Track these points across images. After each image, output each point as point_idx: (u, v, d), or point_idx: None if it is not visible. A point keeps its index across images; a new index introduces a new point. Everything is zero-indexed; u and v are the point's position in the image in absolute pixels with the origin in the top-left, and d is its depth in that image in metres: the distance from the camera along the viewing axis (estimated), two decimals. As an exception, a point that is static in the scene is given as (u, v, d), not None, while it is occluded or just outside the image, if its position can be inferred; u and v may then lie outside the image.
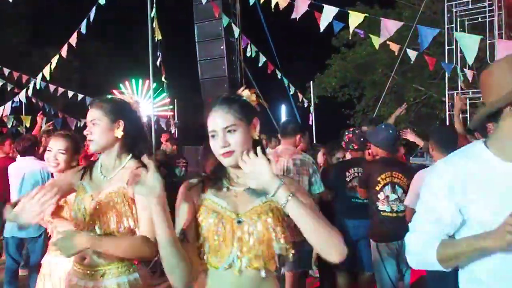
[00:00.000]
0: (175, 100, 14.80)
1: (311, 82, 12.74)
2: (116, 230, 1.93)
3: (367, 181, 3.73)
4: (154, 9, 8.24)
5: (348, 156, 4.29)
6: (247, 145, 1.54)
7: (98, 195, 1.97)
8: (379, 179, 3.64)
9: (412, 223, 1.55)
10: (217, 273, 1.51)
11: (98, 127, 2.00)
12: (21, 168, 4.44)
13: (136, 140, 2.08)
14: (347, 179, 4.01)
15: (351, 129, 4.23)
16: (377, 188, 3.63)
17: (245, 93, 1.62)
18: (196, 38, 10.18)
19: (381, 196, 3.62)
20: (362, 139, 4.07)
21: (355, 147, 4.09)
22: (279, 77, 10.56)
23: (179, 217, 1.54)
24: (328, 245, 1.46)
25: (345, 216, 3.97)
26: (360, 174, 3.97)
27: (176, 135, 12.45)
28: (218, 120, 1.53)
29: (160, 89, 15.20)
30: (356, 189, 3.95)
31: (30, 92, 10.82)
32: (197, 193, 1.59)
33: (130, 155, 2.06)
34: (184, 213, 1.54)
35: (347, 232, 3.88)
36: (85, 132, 2.03)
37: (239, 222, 1.51)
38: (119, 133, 2.02)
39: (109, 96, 2.15)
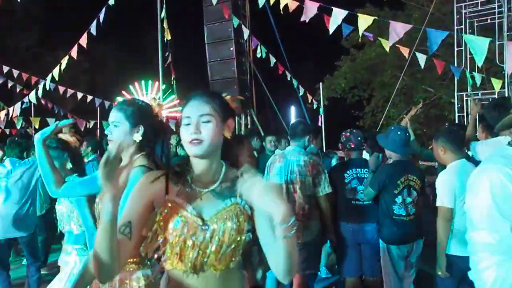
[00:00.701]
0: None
1: (321, 83, 12.75)
2: None
3: (384, 184, 3.65)
4: (164, 10, 8.33)
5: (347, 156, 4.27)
6: (218, 141, 1.54)
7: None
8: (398, 182, 3.61)
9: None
10: (181, 274, 1.51)
11: (118, 129, 2.06)
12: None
13: (152, 144, 2.12)
14: (346, 180, 3.98)
15: (349, 129, 4.19)
16: (396, 191, 3.59)
17: (227, 96, 1.65)
18: (205, 40, 10.24)
19: (399, 199, 3.60)
20: (359, 138, 4.06)
21: (352, 146, 4.04)
22: (289, 79, 10.59)
23: (129, 208, 1.49)
24: (290, 272, 1.41)
25: (345, 219, 3.94)
26: (358, 175, 3.95)
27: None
28: (195, 108, 1.53)
29: (170, 90, 15.30)
30: (356, 191, 3.94)
31: (40, 92, 10.94)
32: (159, 190, 1.53)
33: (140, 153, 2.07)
34: (137, 206, 1.49)
35: (348, 236, 3.88)
36: (106, 132, 2.10)
37: (204, 227, 1.48)
38: (138, 137, 2.08)
39: (133, 99, 2.20)
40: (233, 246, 1.48)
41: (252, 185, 1.34)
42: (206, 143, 1.50)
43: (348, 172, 3.97)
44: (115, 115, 2.08)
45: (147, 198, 1.50)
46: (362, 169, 3.95)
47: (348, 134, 4.06)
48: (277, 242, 1.32)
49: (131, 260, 1.99)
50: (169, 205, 1.50)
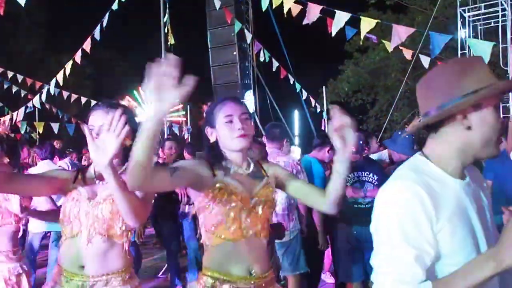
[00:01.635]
0: (188, 106, 14.92)
1: (324, 87, 12.74)
2: (119, 232, 1.92)
3: None
4: (167, 15, 8.35)
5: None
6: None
7: (95, 198, 1.93)
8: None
9: (380, 262, 1.20)
10: (230, 245, 1.78)
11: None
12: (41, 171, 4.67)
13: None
14: (348, 183, 3.96)
15: None
16: None
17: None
18: (209, 44, 10.28)
19: None
20: (361, 142, 4.04)
21: (354, 150, 4.05)
22: (292, 83, 10.60)
23: (182, 165, 1.75)
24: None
25: (347, 222, 3.93)
26: (360, 178, 3.95)
27: (189, 141, 12.54)
28: (235, 107, 1.81)
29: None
30: (358, 193, 3.94)
31: (44, 97, 10.98)
32: (207, 174, 1.79)
33: (126, 163, 1.95)
34: (190, 169, 1.75)
35: (351, 239, 3.87)
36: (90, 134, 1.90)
37: (252, 200, 1.81)
38: (128, 142, 1.95)
39: (117, 102, 2.15)
40: (270, 211, 1.86)
41: (275, 166, 2.00)
42: (250, 137, 1.82)
43: (349, 175, 3.94)
44: (106, 119, 1.90)
45: (198, 172, 1.76)
46: (363, 172, 3.95)
47: None
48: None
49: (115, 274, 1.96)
50: (218, 185, 1.77)
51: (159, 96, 1.38)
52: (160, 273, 5.76)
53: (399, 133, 3.92)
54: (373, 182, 3.87)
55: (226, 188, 1.78)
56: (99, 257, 1.90)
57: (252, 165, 1.90)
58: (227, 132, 1.80)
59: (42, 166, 5.01)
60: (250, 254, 1.81)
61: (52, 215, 2.46)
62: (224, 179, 1.80)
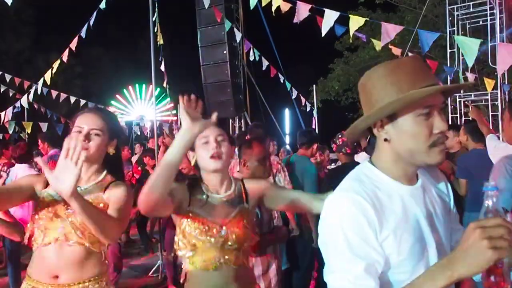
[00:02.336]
0: (178, 105, 14.86)
1: (314, 86, 12.76)
2: (96, 240, 1.86)
3: None
4: (156, 14, 8.30)
5: (339, 160, 4.33)
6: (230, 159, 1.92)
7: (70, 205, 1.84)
8: None
9: (333, 278, 1.15)
10: (203, 273, 1.81)
11: (98, 139, 1.91)
12: (15, 175, 4.61)
13: (116, 157, 2.04)
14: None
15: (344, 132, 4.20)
16: None
17: None
18: (199, 43, 10.22)
19: None
20: (355, 144, 4.10)
21: (348, 151, 4.05)
22: (282, 81, 10.59)
23: (172, 189, 1.75)
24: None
25: None
26: None
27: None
28: (212, 129, 1.85)
29: (164, 94, 15.27)
30: None
31: (31, 97, 10.87)
32: (185, 199, 1.84)
33: (106, 171, 1.99)
34: (176, 193, 1.77)
35: None
36: (80, 137, 1.87)
37: (221, 232, 1.80)
38: (111, 150, 1.99)
39: (109, 110, 2.19)
40: (246, 242, 1.84)
41: (260, 183, 1.99)
42: (223, 159, 1.86)
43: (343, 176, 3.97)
44: (97, 123, 1.93)
45: (180, 197, 1.80)
46: None
47: (345, 138, 4.06)
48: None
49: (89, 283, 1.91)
50: (191, 215, 1.81)
51: (190, 119, 1.54)
52: (150, 272, 5.73)
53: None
54: None
55: (195, 217, 1.81)
56: (75, 265, 1.84)
57: (233, 187, 1.92)
58: (203, 153, 1.86)
59: (17, 171, 4.71)
60: (223, 283, 1.81)
61: (11, 227, 2.26)
62: (195, 209, 1.83)
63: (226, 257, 1.80)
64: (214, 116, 1.59)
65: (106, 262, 1.95)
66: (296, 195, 1.94)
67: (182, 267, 1.91)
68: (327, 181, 4.06)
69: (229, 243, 1.80)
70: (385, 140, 1.20)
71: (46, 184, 1.89)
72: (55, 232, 1.83)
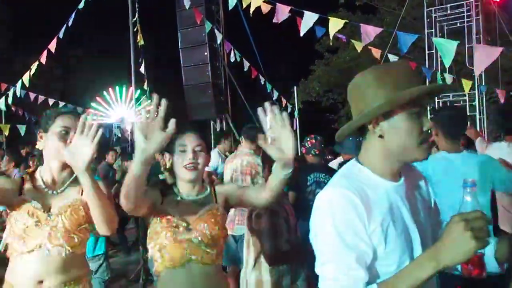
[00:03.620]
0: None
1: (295, 87, 12.81)
2: (79, 242, 1.90)
3: None
4: (136, 14, 8.22)
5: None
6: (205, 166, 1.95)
7: (51, 210, 1.87)
8: None
9: (325, 270, 1.20)
10: (171, 272, 1.85)
11: None
12: None
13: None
14: (308, 183, 4.16)
15: (313, 135, 4.37)
16: None
17: None
18: (179, 45, 10.16)
19: None
20: (323, 145, 4.28)
21: (317, 153, 4.23)
22: (263, 83, 10.60)
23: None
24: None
25: (305, 219, 4.01)
26: (319, 179, 4.13)
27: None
28: (191, 139, 1.92)
29: (144, 96, 15.13)
30: (314, 194, 4.06)
31: (10, 99, 10.66)
32: (159, 196, 1.91)
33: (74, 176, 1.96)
34: (149, 194, 1.81)
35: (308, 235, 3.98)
36: (65, 140, 1.88)
37: (189, 229, 1.86)
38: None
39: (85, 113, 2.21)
40: (214, 241, 1.88)
41: (227, 186, 2.09)
42: (200, 169, 1.93)
43: (310, 175, 4.16)
44: (74, 122, 1.93)
45: (152, 197, 1.86)
46: (321, 174, 4.17)
47: (313, 141, 4.26)
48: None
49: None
50: (161, 214, 1.87)
51: (145, 137, 1.47)
52: (132, 276, 5.67)
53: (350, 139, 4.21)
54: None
55: (165, 216, 1.86)
56: (60, 269, 1.85)
57: (206, 191, 1.99)
58: (179, 160, 1.92)
59: None
60: (191, 282, 1.84)
61: None
62: (167, 208, 1.88)
63: (194, 256, 1.84)
64: (171, 125, 1.51)
65: (87, 264, 2.02)
66: (247, 191, 2.02)
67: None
68: (299, 176, 4.20)
69: (196, 240, 1.84)
70: (380, 136, 1.26)
71: (20, 190, 1.87)
72: (37, 238, 1.82)
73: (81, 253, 1.94)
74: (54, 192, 1.91)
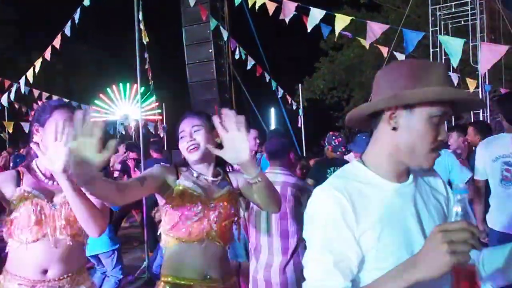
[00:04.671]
0: (163, 104, 14.76)
1: (300, 84, 12.81)
2: (80, 231, 1.93)
3: None
4: (140, 12, 8.22)
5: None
6: (211, 143, 1.87)
7: (55, 200, 1.91)
8: None
9: (306, 270, 1.18)
10: (186, 247, 1.87)
11: None
12: None
13: None
14: (327, 175, 4.31)
15: (337, 133, 4.61)
16: None
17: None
18: (184, 42, 10.18)
19: None
20: (346, 145, 4.56)
21: (343, 150, 4.49)
22: (268, 80, 10.61)
23: (152, 173, 1.88)
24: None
25: None
26: None
27: (165, 139, 12.42)
28: (188, 122, 1.94)
29: (148, 93, 15.15)
30: None
31: (12, 96, 10.69)
32: (173, 174, 1.93)
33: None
34: (157, 176, 1.87)
35: None
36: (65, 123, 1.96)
37: (211, 206, 1.88)
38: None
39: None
40: (230, 219, 1.91)
41: (239, 175, 1.98)
42: (202, 147, 1.90)
43: (330, 168, 4.26)
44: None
45: (164, 177, 1.89)
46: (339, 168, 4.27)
47: (340, 139, 4.50)
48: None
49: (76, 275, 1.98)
50: (179, 187, 1.88)
51: (79, 158, 1.34)
52: (137, 273, 5.70)
53: (358, 135, 4.34)
54: None
55: (185, 190, 1.87)
56: (63, 258, 1.90)
57: (220, 176, 2.01)
58: (182, 145, 1.93)
59: None
60: (204, 258, 1.87)
61: None
62: (185, 182, 1.90)
63: (211, 232, 1.86)
64: (110, 147, 1.38)
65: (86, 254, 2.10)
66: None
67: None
68: (319, 167, 4.39)
69: (214, 217, 1.87)
70: (393, 129, 1.18)
71: (18, 182, 1.89)
72: (43, 228, 1.85)
73: (82, 243, 1.98)
74: (54, 183, 1.91)
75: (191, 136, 1.91)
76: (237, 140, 1.53)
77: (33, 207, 1.84)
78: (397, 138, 1.18)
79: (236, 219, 1.97)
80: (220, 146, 1.74)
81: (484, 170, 3.39)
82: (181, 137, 1.94)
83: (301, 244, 2.85)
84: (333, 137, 4.48)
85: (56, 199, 1.90)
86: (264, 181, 1.71)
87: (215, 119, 1.54)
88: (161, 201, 1.95)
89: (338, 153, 4.45)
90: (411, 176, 1.25)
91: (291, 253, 2.86)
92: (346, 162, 4.54)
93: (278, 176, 2.97)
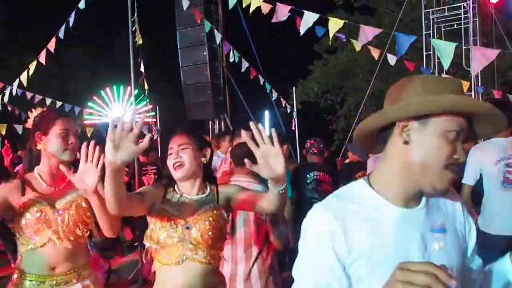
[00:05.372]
0: (157, 106, 14.73)
1: (294, 87, 12.84)
2: (82, 234, 2.13)
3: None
4: (135, 14, 8.22)
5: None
6: (197, 164, 1.99)
7: (57, 206, 2.09)
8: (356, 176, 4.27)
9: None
10: (169, 269, 1.90)
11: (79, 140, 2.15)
12: None
13: None
14: (308, 181, 4.37)
15: (312, 138, 4.80)
16: None
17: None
18: (178, 44, 10.17)
19: None
20: (321, 146, 4.64)
21: (315, 151, 4.60)
22: (262, 83, 10.62)
23: (148, 190, 1.99)
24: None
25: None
26: (318, 177, 4.40)
27: (159, 141, 12.37)
28: (176, 140, 2.01)
29: (142, 95, 15.10)
30: (315, 191, 4.34)
31: (6, 99, 10.63)
32: (159, 196, 2.00)
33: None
34: (151, 194, 1.95)
35: None
36: (66, 141, 2.12)
37: (187, 228, 1.91)
38: None
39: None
40: (212, 240, 1.92)
41: (232, 187, 2.08)
42: (186, 166, 1.97)
43: (310, 173, 4.40)
44: (73, 125, 2.20)
45: (155, 197, 1.96)
46: (320, 173, 4.42)
47: (312, 141, 4.64)
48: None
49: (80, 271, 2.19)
50: (160, 212, 1.93)
51: (115, 148, 1.50)
52: (131, 275, 5.68)
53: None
54: (328, 181, 4.42)
55: (164, 214, 1.93)
56: (68, 258, 2.10)
57: (207, 190, 2.05)
58: (169, 162, 2.00)
59: None
60: (185, 280, 1.90)
61: None
62: (166, 206, 1.96)
63: (190, 255, 1.89)
64: (146, 140, 1.53)
65: (90, 251, 2.32)
66: (250, 194, 2.04)
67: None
68: (299, 174, 4.49)
69: (193, 238, 1.90)
70: (405, 142, 1.10)
71: (23, 191, 2.06)
72: (48, 233, 2.03)
73: (85, 242, 2.19)
74: (56, 188, 2.11)
75: (177, 154, 1.97)
76: (271, 154, 1.51)
77: (38, 213, 2.02)
78: (409, 153, 1.09)
79: (220, 236, 1.99)
80: (205, 165, 2.04)
81: (475, 175, 3.42)
82: (169, 154, 2.00)
83: (263, 250, 2.87)
84: (307, 141, 4.71)
85: (58, 204, 2.08)
86: (285, 192, 1.76)
87: (244, 134, 1.50)
88: (149, 220, 2.01)
89: (311, 155, 4.57)
90: (423, 200, 1.15)
91: (253, 261, 2.84)
92: (326, 166, 4.69)
93: (241, 184, 2.96)
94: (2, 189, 2.09)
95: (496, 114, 1.09)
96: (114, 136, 1.49)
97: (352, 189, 1.18)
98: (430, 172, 1.07)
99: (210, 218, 1.94)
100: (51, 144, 2.06)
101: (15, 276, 2.10)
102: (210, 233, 1.91)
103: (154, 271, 2.00)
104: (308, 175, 4.37)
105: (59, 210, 2.07)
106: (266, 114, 16.04)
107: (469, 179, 3.45)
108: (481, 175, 3.41)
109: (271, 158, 1.51)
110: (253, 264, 2.84)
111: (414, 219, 1.11)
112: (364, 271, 1.06)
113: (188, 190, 2.03)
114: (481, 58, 5.28)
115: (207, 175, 2.11)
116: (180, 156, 1.97)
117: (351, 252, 1.06)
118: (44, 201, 2.05)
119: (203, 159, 2.04)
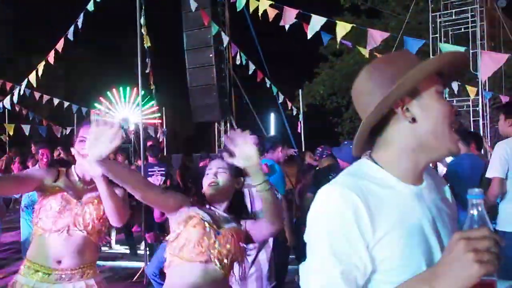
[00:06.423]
0: (163, 108, 14.80)
1: (300, 90, 12.84)
2: (96, 232, 2.25)
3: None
4: (143, 16, 8.25)
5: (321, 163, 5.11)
6: (228, 186, 2.17)
7: (82, 199, 2.23)
8: None
9: (307, 275, 1.05)
10: (189, 266, 1.97)
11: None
12: None
13: None
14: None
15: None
16: None
17: None
18: (185, 46, 10.21)
19: None
20: (320, 149, 5.04)
21: (329, 153, 4.90)
22: (268, 85, 10.63)
23: (176, 195, 2.14)
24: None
25: None
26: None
27: (164, 143, 12.42)
28: (215, 163, 2.20)
29: (148, 96, 15.17)
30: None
31: (15, 99, 10.71)
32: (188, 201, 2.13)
33: None
34: (179, 199, 2.10)
35: None
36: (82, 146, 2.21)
37: (218, 234, 2.01)
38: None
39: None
40: (234, 253, 2.02)
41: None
42: (219, 186, 2.14)
43: (332, 174, 4.38)
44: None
45: (182, 202, 2.11)
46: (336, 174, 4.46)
47: (322, 146, 5.02)
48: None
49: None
50: (191, 213, 2.04)
51: (95, 143, 1.67)
52: (135, 278, 5.69)
53: (345, 143, 4.41)
54: None
55: (196, 216, 2.03)
56: (76, 252, 2.18)
57: (231, 216, 2.16)
58: (205, 181, 2.17)
59: None
60: (204, 279, 1.97)
61: None
62: (197, 210, 2.07)
63: (214, 257, 1.97)
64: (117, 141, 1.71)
65: (99, 251, 2.36)
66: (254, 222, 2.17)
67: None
68: (321, 176, 4.56)
69: (221, 246, 1.98)
70: (413, 120, 1.08)
71: (56, 179, 2.25)
72: (64, 221, 2.14)
73: (96, 243, 2.27)
74: (86, 187, 2.27)
75: (215, 175, 2.14)
76: (245, 149, 1.87)
77: (61, 200, 2.17)
78: (418, 129, 1.08)
79: (239, 256, 2.08)
80: (237, 191, 2.23)
81: (506, 166, 3.43)
82: (207, 174, 2.17)
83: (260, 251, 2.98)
84: (317, 148, 5.00)
85: (83, 198, 2.22)
86: (270, 192, 1.95)
87: (225, 138, 1.88)
88: (173, 223, 2.09)
89: (326, 158, 4.88)
90: (425, 180, 1.15)
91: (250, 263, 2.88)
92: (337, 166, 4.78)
93: None
94: (40, 171, 2.44)
95: (464, 55, 1.17)
96: (96, 131, 1.67)
97: (362, 167, 1.13)
98: (443, 136, 1.08)
99: (237, 236, 2.05)
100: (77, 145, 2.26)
101: (22, 267, 2.20)
102: (234, 247, 2.02)
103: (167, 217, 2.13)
104: (329, 177, 4.40)
105: (82, 202, 2.21)
106: (272, 116, 16.07)
107: (499, 172, 3.44)
108: None
109: (246, 151, 1.87)
110: (251, 265, 2.89)
111: (422, 196, 1.11)
112: (387, 253, 1.01)
113: (217, 207, 2.16)
114: (490, 62, 5.26)
115: (237, 202, 2.24)
116: (217, 177, 2.14)
117: (376, 232, 1.01)
118: (70, 191, 2.21)
119: (236, 186, 2.20)
